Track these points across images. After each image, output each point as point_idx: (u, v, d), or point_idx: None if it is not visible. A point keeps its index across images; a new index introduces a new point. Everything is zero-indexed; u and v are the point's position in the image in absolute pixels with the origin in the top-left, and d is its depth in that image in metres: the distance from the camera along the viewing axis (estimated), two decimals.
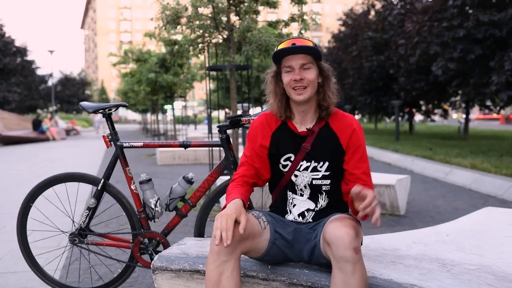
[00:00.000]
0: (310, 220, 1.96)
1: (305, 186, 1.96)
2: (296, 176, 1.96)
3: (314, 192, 1.96)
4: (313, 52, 1.88)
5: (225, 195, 2.80)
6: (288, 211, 1.99)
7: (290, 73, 1.89)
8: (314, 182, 1.95)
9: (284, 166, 1.98)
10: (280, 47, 1.91)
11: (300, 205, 1.97)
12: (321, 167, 1.94)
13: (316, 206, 1.96)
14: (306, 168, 1.95)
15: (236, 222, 1.69)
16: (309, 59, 1.89)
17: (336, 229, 1.67)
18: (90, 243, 2.85)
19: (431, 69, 14.64)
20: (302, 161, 1.95)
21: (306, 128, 1.96)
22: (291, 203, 1.99)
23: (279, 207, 2.02)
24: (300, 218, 1.97)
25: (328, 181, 1.95)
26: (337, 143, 1.94)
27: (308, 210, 1.96)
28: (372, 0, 22.74)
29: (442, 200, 6.21)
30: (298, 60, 1.88)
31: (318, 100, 1.95)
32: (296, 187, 1.97)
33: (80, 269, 3.20)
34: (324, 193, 1.95)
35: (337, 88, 1.98)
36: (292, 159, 1.97)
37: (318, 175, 1.95)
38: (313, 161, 1.95)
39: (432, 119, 25.46)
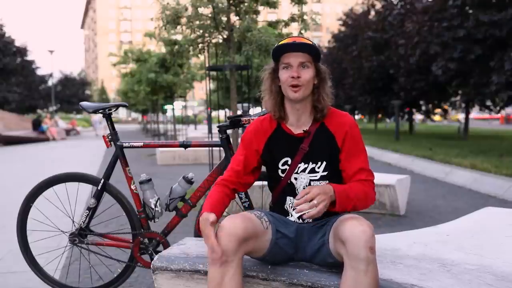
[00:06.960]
0: (310, 221, 1.96)
1: (303, 188, 1.95)
2: (295, 179, 1.96)
3: None
4: (312, 51, 1.89)
5: None
6: (290, 214, 1.99)
7: (288, 70, 1.89)
8: (312, 183, 1.94)
9: (283, 171, 1.98)
10: (280, 43, 1.91)
11: None
12: (318, 167, 1.94)
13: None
14: (304, 170, 1.95)
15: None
16: (307, 58, 1.89)
17: (354, 227, 1.65)
18: (90, 243, 2.85)
19: (431, 69, 14.65)
20: (300, 163, 1.95)
21: (303, 130, 1.95)
22: (291, 207, 1.98)
23: (279, 210, 2.02)
24: (300, 220, 1.96)
25: (326, 182, 1.94)
26: (334, 142, 1.94)
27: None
28: (372, 0, 22.76)
29: (442, 200, 6.21)
30: (297, 58, 1.88)
31: (313, 101, 1.95)
32: (296, 191, 1.97)
33: (80, 269, 3.20)
34: None
35: (332, 91, 1.98)
36: (289, 162, 1.96)
37: (316, 176, 1.94)
38: (310, 163, 1.94)
39: (432, 119, 25.48)
